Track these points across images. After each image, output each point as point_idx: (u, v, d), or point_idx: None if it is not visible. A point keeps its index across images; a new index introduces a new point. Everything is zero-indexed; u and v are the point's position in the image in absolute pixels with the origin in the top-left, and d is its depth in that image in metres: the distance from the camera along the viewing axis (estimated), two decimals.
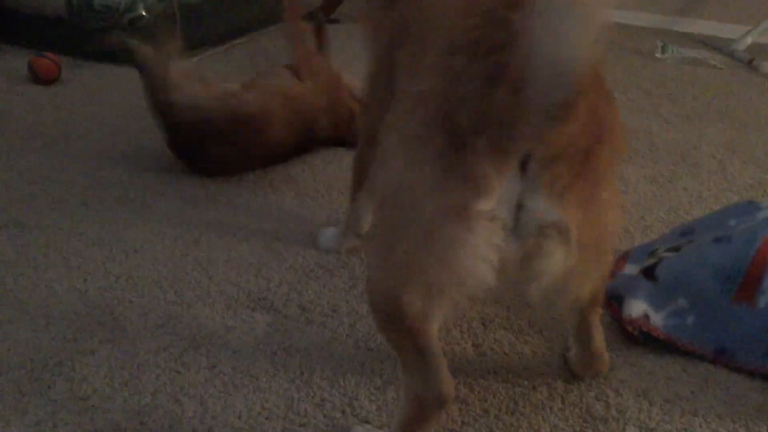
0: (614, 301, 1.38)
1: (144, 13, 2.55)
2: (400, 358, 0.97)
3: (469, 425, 1.10)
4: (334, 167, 1.93)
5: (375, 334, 1.28)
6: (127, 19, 2.54)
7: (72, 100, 2.28)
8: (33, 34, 2.69)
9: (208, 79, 1.82)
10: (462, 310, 1.25)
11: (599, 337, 1.17)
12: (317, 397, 1.14)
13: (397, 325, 0.91)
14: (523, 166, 0.79)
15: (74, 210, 1.63)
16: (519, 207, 0.80)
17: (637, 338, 1.29)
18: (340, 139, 2.00)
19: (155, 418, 1.08)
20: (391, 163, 0.88)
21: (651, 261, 1.37)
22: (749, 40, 3.33)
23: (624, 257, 1.52)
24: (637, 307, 1.30)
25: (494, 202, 0.79)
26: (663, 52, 3.21)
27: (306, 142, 1.94)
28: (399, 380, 1.05)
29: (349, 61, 2.12)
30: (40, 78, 2.38)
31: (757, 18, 3.39)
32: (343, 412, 1.11)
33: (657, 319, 1.29)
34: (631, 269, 1.43)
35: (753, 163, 2.10)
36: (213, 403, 1.12)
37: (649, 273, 1.33)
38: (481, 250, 0.81)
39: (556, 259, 0.84)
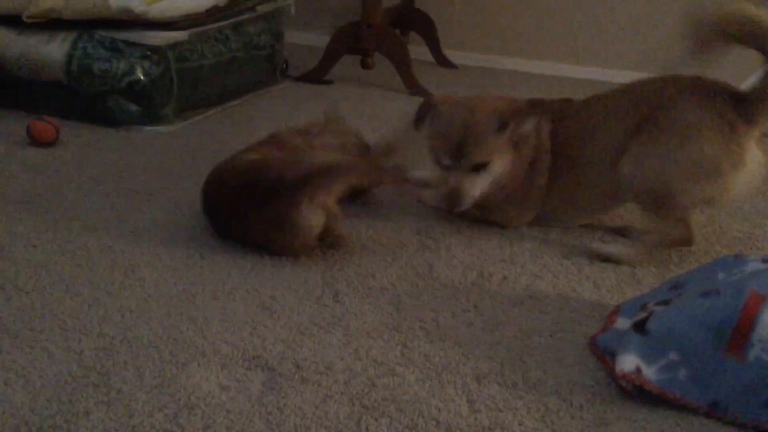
0: (607, 355, 1.39)
1: (142, 77, 2.61)
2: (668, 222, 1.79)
3: None
4: None
5: (370, 391, 1.28)
6: (126, 82, 2.60)
7: (69, 163, 2.31)
8: (32, 98, 2.74)
9: None
10: None
11: None
12: None
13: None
14: None
15: (71, 271, 1.65)
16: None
17: (630, 392, 1.29)
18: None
19: None
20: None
21: (642, 315, 1.38)
22: None
23: (615, 311, 1.54)
24: (629, 362, 1.31)
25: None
26: None
27: None
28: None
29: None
30: (38, 141, 2.42)
31: (742, 73, 3.47)
32: None
33: (649, 373, 1.30)
34: (622, 323, 1.44)
35: (741, 217, 2.14)
36: None
37: (640, 327, 1.34)
38: None
39: None
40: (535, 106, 1.92)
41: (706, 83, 1.78)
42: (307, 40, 4.35)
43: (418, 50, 3.98)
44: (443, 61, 4.16)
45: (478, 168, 1.84)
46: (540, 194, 1.97)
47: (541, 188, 1.96)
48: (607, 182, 1.87)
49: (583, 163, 1.91)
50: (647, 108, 1.81)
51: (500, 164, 1.85)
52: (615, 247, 1.85)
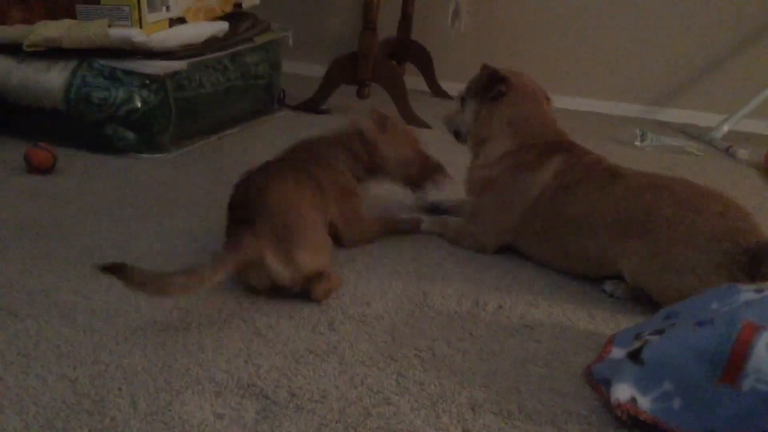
0: (602, 384, 1.39)
1: (140, 106, 2.63)
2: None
3: None
4: None
5: (365, 420, 1.28)
6: (124, 111, 2.62)
7: (67, 190, 2.32)
8: (30, 125, 2.75)
9: None
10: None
11: None
12: None
13: None
14: None
15: (66, 298, 1.65)
16: None
17: (625, 422, 1.29)
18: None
19: None
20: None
21: (636, 344, 1.39)
22: (726, 128, 3.45)
23: (610, 341, 1.54)
24: (624, 391, 1.31)
25: None
26: (642, 140, 3.31)
27: None
28: None
29: None
30: (35, 168, 2.43)
31: (733, 107, 3.52)
32: None
33: (644, 403, 1.30)
34: (617, 353, 1.45)
35: None
36: None
37: (634, 356, 1.35)
38: None
39: None
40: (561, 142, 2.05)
41: (730, 225, 1.70)
42: (304, 70, 4.40)
43: (414, 81, 4.03)
44: (439, 92, 4.20)
45: None
46: (509, 222, 2.00)
47: (513, 214, 1.99)
48: (593, 256, 1.86)
49: (581, 225, 1.87)
50: (669, 216, 1.74)
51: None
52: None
